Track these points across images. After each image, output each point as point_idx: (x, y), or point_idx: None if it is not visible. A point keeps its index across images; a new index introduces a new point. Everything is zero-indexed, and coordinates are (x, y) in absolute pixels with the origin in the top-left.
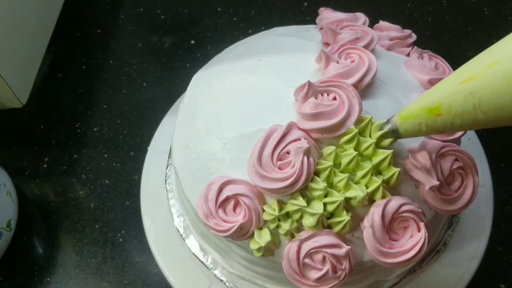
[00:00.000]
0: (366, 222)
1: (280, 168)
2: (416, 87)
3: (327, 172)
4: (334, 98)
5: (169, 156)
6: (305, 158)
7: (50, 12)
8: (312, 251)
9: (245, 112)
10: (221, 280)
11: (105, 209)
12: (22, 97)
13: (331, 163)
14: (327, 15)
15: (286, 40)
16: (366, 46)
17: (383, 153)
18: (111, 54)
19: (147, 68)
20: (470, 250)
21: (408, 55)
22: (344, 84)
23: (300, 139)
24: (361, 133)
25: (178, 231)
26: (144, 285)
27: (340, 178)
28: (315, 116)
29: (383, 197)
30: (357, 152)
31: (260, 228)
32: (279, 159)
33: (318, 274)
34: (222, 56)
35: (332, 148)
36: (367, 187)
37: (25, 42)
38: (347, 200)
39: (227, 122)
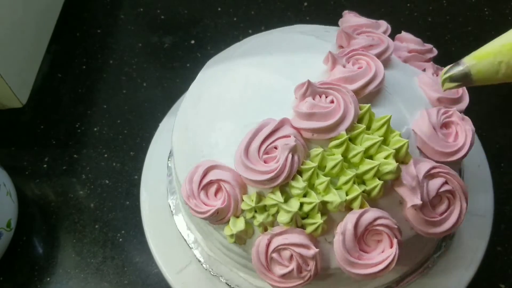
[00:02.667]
0: (338, 229)
1: (265, 161)
2: (423, 103)
3: (309, 172)
4: (332, 101)
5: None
6: (290, 156)
7: (50, 12)
8: (281, 247)
9: (246, 103)
10: (199, 261)
11: (105, 209)
12: (22, 97)
13: (315, 164)
14: (349, 18)
15: (303, 38)
16: (379, 54)
17: (370, 164)
18: (111, 54)
19: (147, 68)
20: (469, 252)
21: (424, 70)
22: (344, 89)
23: (289, 136)
24: (353, 140)
25: (170, 206)
26: (144, 285)
27: (322, 181)
28: (309, 116)
29: (361, 207)
30: (342, 158)
31: (237, 216)
32: (266, 152)
33: (284, 270)
34: (237, 46)
35: (320, 150)
36: (347, 194)
37: (25, 42)
38: (324, 203)
39: (227, 111)
